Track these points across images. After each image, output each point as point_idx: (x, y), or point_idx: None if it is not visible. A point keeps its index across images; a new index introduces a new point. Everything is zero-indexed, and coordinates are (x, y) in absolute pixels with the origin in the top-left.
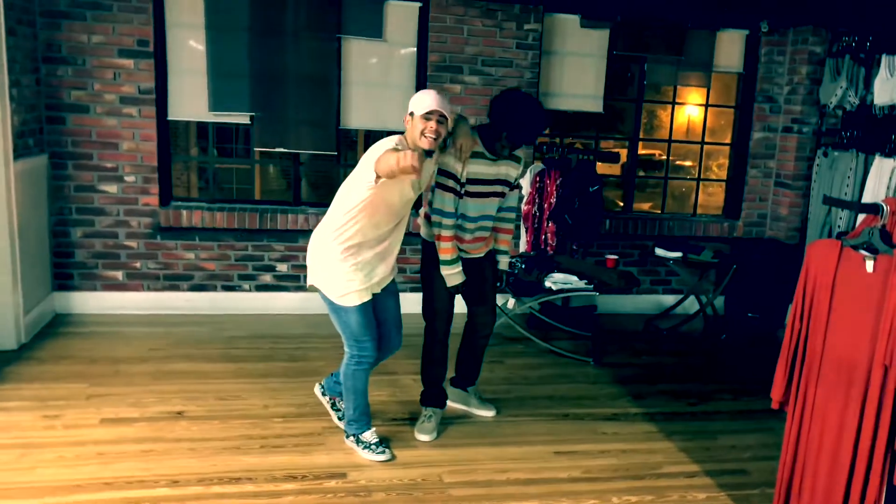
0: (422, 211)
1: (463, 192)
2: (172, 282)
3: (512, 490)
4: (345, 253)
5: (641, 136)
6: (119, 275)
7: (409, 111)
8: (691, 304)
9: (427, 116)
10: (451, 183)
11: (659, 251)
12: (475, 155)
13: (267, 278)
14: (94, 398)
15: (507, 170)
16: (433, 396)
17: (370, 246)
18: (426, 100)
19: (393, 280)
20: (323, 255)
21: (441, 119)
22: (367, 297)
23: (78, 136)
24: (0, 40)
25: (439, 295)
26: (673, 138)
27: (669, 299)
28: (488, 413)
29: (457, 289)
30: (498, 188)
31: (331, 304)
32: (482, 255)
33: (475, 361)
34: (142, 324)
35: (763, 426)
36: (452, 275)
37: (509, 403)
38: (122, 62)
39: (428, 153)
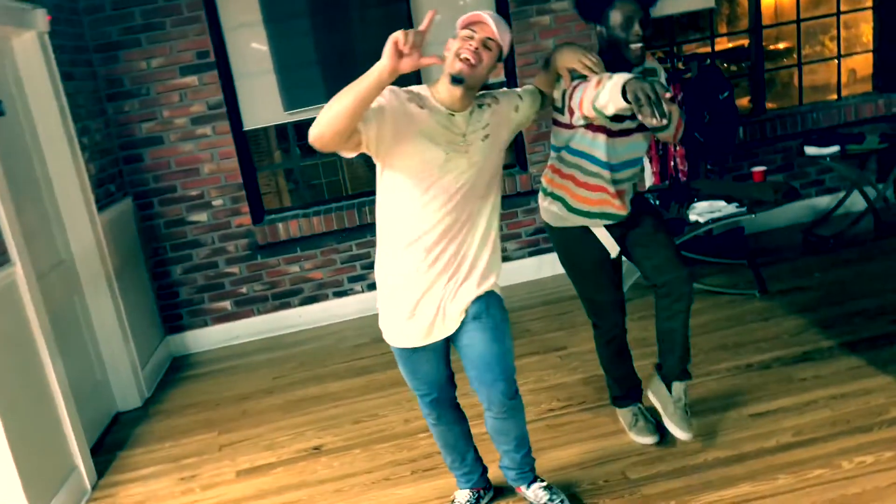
0: (545, 174)
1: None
2: (282, 300)
3: (713, 476)
4: (379, 272)
5: (767, 22)
6: (227, 304)
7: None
8: (852, 203)
9: (470, 32)
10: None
11: (810, 150)
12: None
13: None
14: (226, 448)
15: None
16: (621, 398)
17: (409, 262)
18: (472, 15)
19: (484, 302)
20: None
21: (489, 42)
22: (409, 343)
23: (157, 169)
24: (58, 89)
25: (592, 281)
26: (798, 18)
27: (825, 201)
28: (682, 434)
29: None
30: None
31: None
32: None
33: (674, 342)
34: (260, 350)
35: None
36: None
37: None
38: (186, 80)
39: (457, 81)
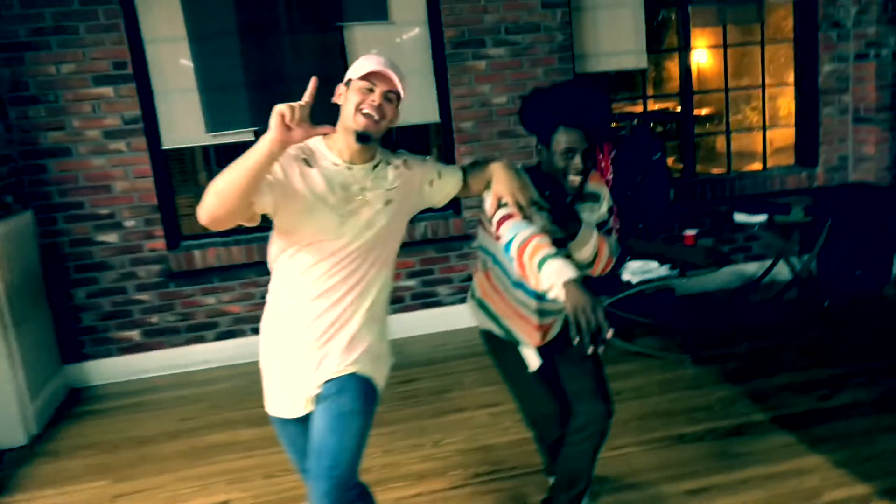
0: (476, 275)
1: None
2: (196, 332)
3: None
4: (262, 324)
5: (695, 88)
6: (135, 334)
7: (345, 80)
8: (778, 272)
9: (369, 85)
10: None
11: (739, 216)
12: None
13: None
14: (119, 499)
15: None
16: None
17: (287, 321)
18: (369, 62)
19: (339, 384)
20: None
21: (390, 94)
22: (275, 412)
23: (64, 183)
24: None
25: (523, 390)
26: (726, 87)
27: (752, 268)
28: None
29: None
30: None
31: None
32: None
33: (573, 478)
34: (169, 387)
35: None
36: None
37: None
38: (99, 91)
39: (363, 139)
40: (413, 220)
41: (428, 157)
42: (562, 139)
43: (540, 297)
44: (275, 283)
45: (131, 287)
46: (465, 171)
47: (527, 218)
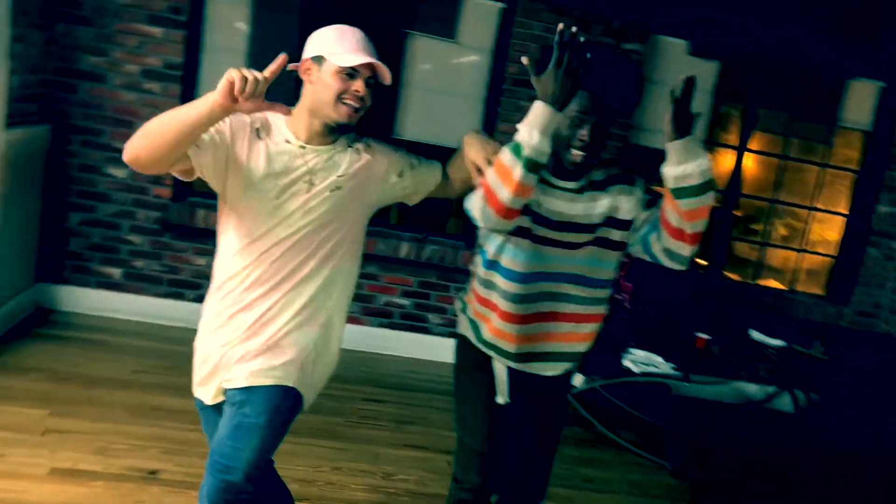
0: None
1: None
2: (176, 289)
3: None
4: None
5: (743, 191)
6: (116, 273)
7: (312, 54)
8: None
9: (351, 73)
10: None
11: (756, 334)
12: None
13: None
14: (51, 434)
15: (604, 203)
16: None
17: (214, 306)
18: (347, 41)
19: (246, 394)
20: None
21: (370, 80)
22: (195, 394)
23: (89, 107)
24: None
25: (468, 411)
26: (773, 199)
27: (753, 389)
28: None
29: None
30: (584, 236)
31: None
32: (551, 369)
33: None
34: (133, 334)
35: None
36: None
37: None
38: (149, 29)
39: (339, 130)
40: (422, 241)
41: (401, 149)
42: (573, 105)
43: (513, 278)
44: (216, 258)
45: (126, 226)
46: (444, 167)
47: None
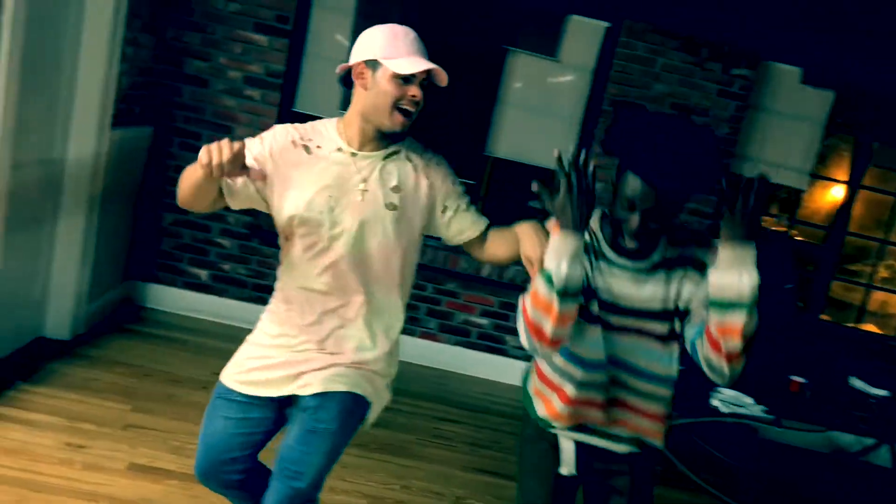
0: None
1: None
2: (260, 294)
3: None
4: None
5: (851, 229)
6: (203, 274)
7: (365, 58)
8: (876, 455)
9: (408, 77)
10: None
11: (856, 382)
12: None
13: None
14: (131, 429)
15: (670, 287)
16: None
17: (290, 311)
18: (401, 43)
19: (321, 400)
20: None
21: (424, 82)
22: (230, 382)
23: (193, 111)
24: None
25: (529, 487)
26: (884, 240)
27: (848, 439)
28: None
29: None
30: (650, 324)
31: None
32: (624, 446)
33: None
34: (215, 335)
35: None
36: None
37: None
38: (255, 37)
39: (392, 138)
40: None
41: (458, 178)
42: (631, 184)
43: (584, 364)
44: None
45: (217, 229)
46: (489, 228)
47: None
